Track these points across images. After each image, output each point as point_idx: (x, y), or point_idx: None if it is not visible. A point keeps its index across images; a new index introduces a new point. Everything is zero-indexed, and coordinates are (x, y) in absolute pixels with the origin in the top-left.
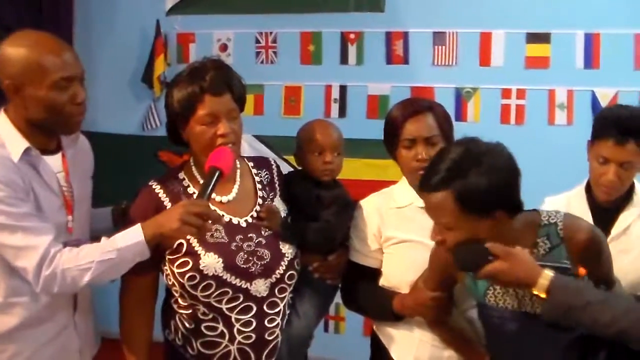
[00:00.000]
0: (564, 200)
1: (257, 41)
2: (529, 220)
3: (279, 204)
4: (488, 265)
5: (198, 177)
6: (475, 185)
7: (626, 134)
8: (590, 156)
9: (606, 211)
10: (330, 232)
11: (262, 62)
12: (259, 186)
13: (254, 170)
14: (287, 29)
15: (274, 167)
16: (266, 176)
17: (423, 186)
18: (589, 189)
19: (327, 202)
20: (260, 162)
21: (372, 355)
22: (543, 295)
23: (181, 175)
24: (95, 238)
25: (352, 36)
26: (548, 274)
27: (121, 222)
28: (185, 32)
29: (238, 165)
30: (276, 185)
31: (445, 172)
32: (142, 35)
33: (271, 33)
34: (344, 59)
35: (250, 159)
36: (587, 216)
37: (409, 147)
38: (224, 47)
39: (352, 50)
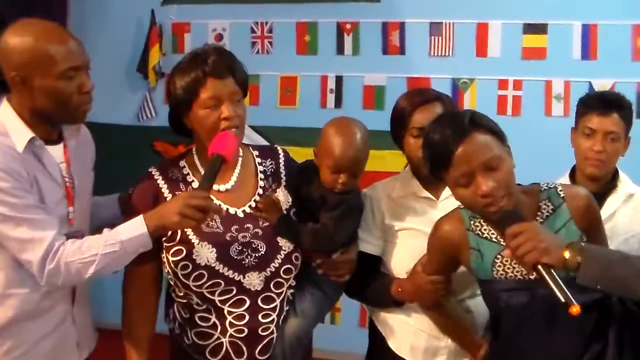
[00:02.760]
0: None
1: (253, 31)
2: (530, 188)
3: (282, 194)
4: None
5: (199, 165)
6: (488, 121)
7: (609, 106)
8: (574, 138)
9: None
10: (324, 236)
11: (257, 52)
12: (261, 176)
13: (258, 160)
14: (282, 19)
15: (281, 156)
16: (271, 166)
17: (455, 141)
18: (573, 177)
19: (330, 204)
20: (266, 152)
21: (370, 344)
22: (578, 258)
23: (182, 162)
24: (99, 228)
25: (348, 26)
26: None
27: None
28: (181, 22)
29: (241, 153)
30: (281, 175)
31: (466, 119)
32: (137, 25)
33: (267, 23)
34: (340, 50)
35: (255, 147)
36: None
37: (417, 136)
38: (219, 37)
39: (348, 40)
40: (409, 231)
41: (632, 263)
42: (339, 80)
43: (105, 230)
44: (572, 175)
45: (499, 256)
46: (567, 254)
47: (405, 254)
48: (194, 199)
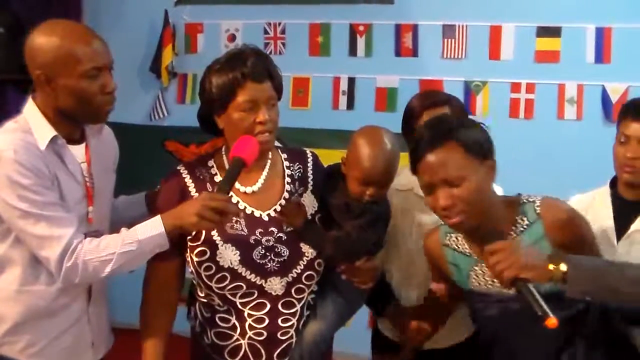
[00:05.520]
0: (590, 197)
1: (266, 32)
2: (510, 200)
3: (308, 199)
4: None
5: (227, 165)
6: (473, 133)
7: None
8: (615, 146)
9: (629, 206)
10: (348, 245)
11: (270, 52)
12: (288, 179)
13: (286, 163)
14: (295, 20)
15: (309, 160)
16: (298, 170)
17: (426, 148)
18: (613, 185)
19: (355, 212)
20: (295, 155)
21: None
22: (562, 267)
23: (210, 162)
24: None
25: (361, 28)
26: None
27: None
28: (194, 22)
29: (269, 156)
30: (309, 180)
31: (446, 127)
32: (150, 25)
33: (280, 24)
34: (352, 51)
35: (284, 150)
36: (608, 210)
37: None
38: (232, 38)
39: (360, 42)
40: (402, 232)
41: (620, 270)
42: (351, 81)
43: (123, 229)
44: (614, 182)
45: (472, 269)
46: (551, 266)
47: (398, 256)
48: (213, 201)
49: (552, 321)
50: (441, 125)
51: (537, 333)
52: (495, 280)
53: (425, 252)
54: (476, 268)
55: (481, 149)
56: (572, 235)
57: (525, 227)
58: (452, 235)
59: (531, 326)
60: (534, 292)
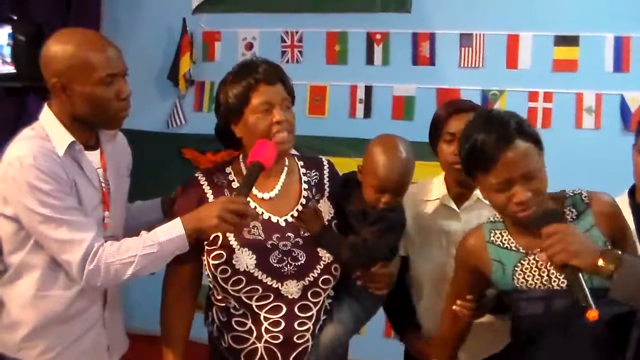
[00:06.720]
0: None
1: (283, 40)
2: (557, 195)
3: (324, 206)
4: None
5: (244, 172)
6: (530, 126)
7: None
8: (634, 155)
9: None
10: (365, 250)
11: (287, 61)
12: (304, 186)
13: (303, 170)
14: (313, 28)
15: (325, 167)
16: (315, 177)
17: (501, 146)
18: (632, 194)
19: (372, 219)
20: (311, 163)
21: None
22: (611, 266)
23: (228, 169)
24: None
25: (378, 36)
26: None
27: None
28: (211, 30)
29: (286, 163)
30: (325, 186)
31: (513, 124)
32: (168, 33)
33: (297, 32)
34: (369, 59)
35: (301, 158)
36: (629, 219)
37: (449, 141)
38: (249, 46)
39: (378, 50)
40: (427, 238)
41: None
42: (368, 90)
43: (143, 232)
44: (632, 192)
45: (519, 264)
46: (600, 261)
47: (422, 260)
48: (233, 204)
49: (593, 314)
50: (504, 123)
51: (584, 334)
52: (543, 274)
53: (462, 253)
54: (523, 262)
55: (539, 140)
56: (618, 227)
57: (574, 217)
58: (497, 231)
59: (578, 326)
60: (582, 280)
